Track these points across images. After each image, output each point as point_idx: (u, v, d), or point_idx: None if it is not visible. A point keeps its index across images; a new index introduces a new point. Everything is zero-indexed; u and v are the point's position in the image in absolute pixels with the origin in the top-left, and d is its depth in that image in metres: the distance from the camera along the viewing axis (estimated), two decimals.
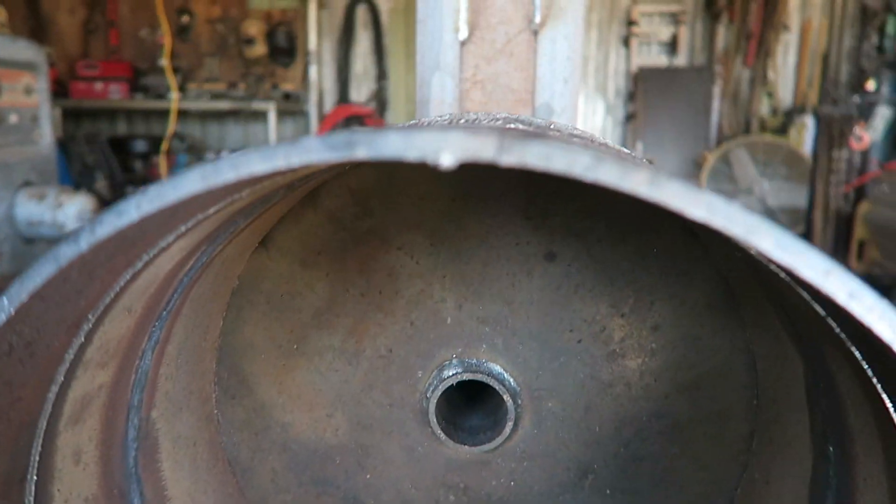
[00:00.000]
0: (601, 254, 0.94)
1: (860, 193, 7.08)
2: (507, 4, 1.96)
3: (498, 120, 0.92)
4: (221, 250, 0.79)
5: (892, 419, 0.52)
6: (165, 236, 0.54)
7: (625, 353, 0.97)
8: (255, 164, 0.41)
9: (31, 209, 4.28)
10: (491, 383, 0.97)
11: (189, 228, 0.56)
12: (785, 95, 8.70)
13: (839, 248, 6.95)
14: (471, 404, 1.10)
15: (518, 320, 0.97)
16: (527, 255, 0.95)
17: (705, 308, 0.94)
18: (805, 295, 0.51)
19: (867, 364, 0.50)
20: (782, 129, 8.24)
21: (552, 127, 0.99)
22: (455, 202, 0.94)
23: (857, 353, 0.50)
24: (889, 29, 6.45)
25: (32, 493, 0.62)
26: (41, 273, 0.44)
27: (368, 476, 1.03)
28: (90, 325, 0.59)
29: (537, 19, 1.93)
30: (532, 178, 0.93)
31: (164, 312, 0.75)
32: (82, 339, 0.59)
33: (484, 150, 0.38)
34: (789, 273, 0.38)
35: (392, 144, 0.38)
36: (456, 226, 0.94)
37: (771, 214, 7.85)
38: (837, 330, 0.51)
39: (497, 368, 0.98)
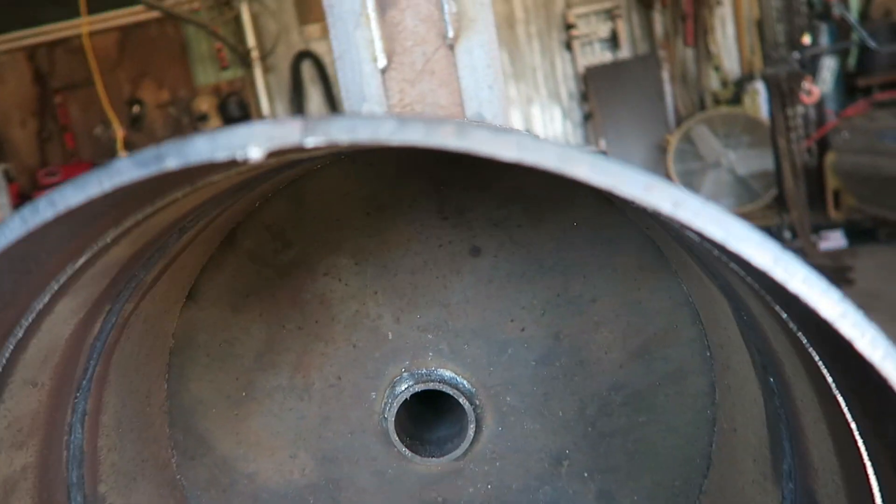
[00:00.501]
0: (524, 238, 0.93)
1: (825, 145, 7.17)
2: (419, 25, 1.98)
3: None
4: (135, 308, 0.78)
5: (793, 330, 0.51)
6: (35, 296, 0.53)
7: (570, 333, 0.96)
8: (70, 196, 0.40)
9: None
10: (444, 389, 0.95)
11: (63, 285, 0.55)
12: (732, 66, 8.84)
13: (815, 202, 7.00)
14: (437, 417, 1.08)
15: (458, 321, 0.96)
16: (452, 255, 0.94)
17: (639, 271, 0.93)
18: (674, 227, 0.51)
19: (747, 277, 0.49)
20: (736, 100, 8.35)
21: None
22: (370, 216, 0.93)
23: (739, 271, 0.50)
24: None
25: None
26: None
27: None
28: None
29: (450, 34, 1.96)
30: (441, 179, 0.93)
31: (84, 381, 0.74)
32: None
33: (289, 135, 0.38)
34: (625, 198, 0.38)
35: (200, 149, 0.37)
36: (377, 240, 0.94)
37: (743, 183, 7.92)
38: (717, 253, 0.51)
39: (448, 373, 0.97)
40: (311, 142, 0.39)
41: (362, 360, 0.97)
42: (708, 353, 0.94)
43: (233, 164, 0.41)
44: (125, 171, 0.40)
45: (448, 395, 0.98)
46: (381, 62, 1.97)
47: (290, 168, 0.83)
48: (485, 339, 0.96)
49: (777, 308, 0.51)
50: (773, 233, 6.60)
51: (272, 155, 0.39)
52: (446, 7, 1.94)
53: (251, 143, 0.38)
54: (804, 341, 0.50)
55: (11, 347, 0.56)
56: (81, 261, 0.54)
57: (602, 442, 0.98)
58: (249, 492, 1.00)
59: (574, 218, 0.92)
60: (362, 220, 0.93)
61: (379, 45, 1.97)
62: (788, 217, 6.56)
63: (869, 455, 0.51)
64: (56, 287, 0.54)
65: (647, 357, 0.95)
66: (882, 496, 0.52)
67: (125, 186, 0.40)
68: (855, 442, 0.52)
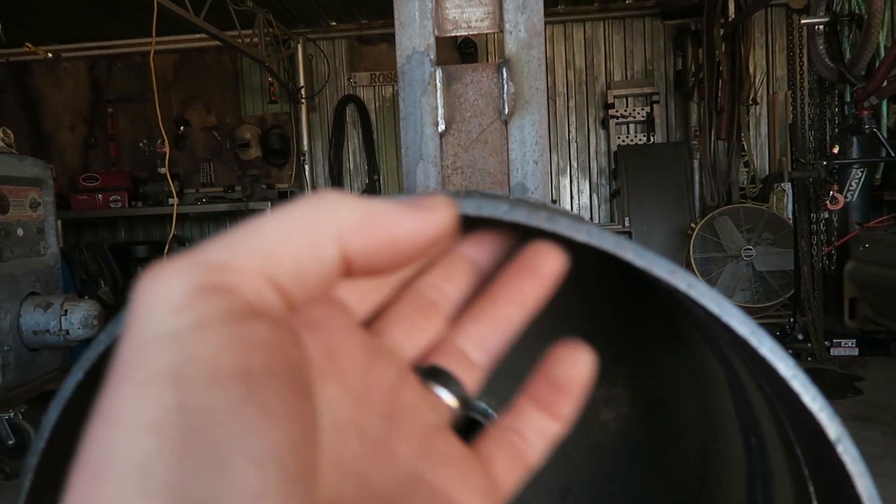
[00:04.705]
0: (560, 302, 1.11)
1: (846, 253, 7.26)
2: (479, 100, 2.21)
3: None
4: None
5: (768, 394, 0.68)
6: None
7: (591, 385, 1.12)
8: None
9: (37, 318, 4.36)
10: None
11: None
12: (762, 164, 9.04)
13: (831, 307, 7.07)
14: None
15: (497, 363, 1.12)
16: None
17: (655, 340, 1.10)
18: (688, 306, 0.68)
19: (735, 348, 0.65)
20: (763, 197, 8.49)
21: (530, 200, 1.18)
22: None
23: (736, 346, 0.67)
24: (847, 97, 6.86)
25: None
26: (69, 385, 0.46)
27: None
28: None
29: (506, 111, 2.18)
30: None
31: None
32: None
33: None
34: (664, 283, 0.55)
35: None
36: None
37: (761, 278, 8.00)
38: (718, 330, 0.68)
39: (482, 405, 1.13)
40: None
41: None
42: (705, 419, 1.09)
43: None
44: None
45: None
46: (441, 127, 2.19)
47: None
48: (516, 380, 1.12)
49: (758, 376, 0.68)
50: (786, 332, 6.68)
51: None
52: (506, 87, 2.18)
53: None
54: (775, 402, 0.67)
55: None
56: None
57: (605, 484, 1.12)
58: None
59: (605, 290, 1.09)
60: None
61: (441, 112, 2.20)
62: (803, 319, 6.64)
63: (816, 495, 0.67)
64: None
65: (653, 415, 1.11)
66: None
67: None
68: (807, 486, 0.68)
